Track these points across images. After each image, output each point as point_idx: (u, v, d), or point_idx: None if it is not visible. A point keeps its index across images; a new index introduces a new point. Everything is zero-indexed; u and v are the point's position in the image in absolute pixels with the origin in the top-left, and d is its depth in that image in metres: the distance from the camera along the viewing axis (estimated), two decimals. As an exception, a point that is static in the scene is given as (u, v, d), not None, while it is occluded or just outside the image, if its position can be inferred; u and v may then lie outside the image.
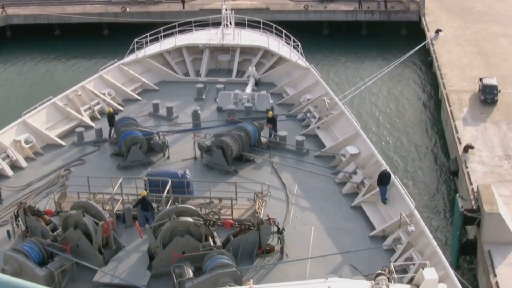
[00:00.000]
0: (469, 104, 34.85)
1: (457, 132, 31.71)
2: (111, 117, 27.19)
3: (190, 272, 17.67)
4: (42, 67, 49.26)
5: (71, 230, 18.97)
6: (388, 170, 22.01)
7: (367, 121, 37.69)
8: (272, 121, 26.55)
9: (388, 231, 20.45)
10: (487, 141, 30.73)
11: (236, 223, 19.84)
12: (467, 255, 25.75)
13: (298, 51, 33.65)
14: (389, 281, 15.36)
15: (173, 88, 32.53)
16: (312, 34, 49.94)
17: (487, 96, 34.75)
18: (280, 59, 33.78)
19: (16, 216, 20.37)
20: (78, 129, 27.34)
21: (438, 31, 46.35)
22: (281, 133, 26.50)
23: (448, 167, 31.62)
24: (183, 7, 53.90)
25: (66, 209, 20.43)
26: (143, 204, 20.49)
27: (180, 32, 35.69)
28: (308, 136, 26.92)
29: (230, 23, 35.25)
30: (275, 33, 34.83)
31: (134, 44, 33.59)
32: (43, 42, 53.04)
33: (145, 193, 20.61)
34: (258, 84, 32.47)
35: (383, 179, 21.62)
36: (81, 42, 52.67)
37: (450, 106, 34.63)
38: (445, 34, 46.02)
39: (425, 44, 45.40)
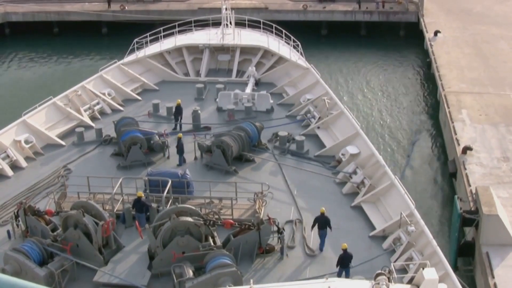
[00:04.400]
0: (468, 105, 34.90)
1: (455, 134, 31.73)
2: (178, 109, 27.76)
3: (190, 272, 17.71)
4: (41, 65, 49.19)
5: (71, 230, 18.99)
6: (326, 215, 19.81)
7: (367, 121, 37.74)
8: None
9: (388, 231, 20.52)
10: (486, 143, 30.77)
11: (236, 223, 19.90)
12: (465, 256, 25.80)
13: (298, 51, 33.72)
14: (389, 281, 15.42)
15: (173, 88, 32.56)
16: (310, 34, 49.95)
17: None
18: (280, 59, 33.84)
19: (16, 216, 20.39)
20: (78, 129, 27.35)
21: (436, 32, 46.40)
22: (281, 133, 26.58)
23: (447, 168, 31.67)
24: None
25: (66, 209, 20.48)
26: (138, 205, 20.52)
27: (180, 32, 35.72)
28: (308, 136, 26.99)
29: (230, 23, 35.28)
30: (275, 33, 34.88)
31: (134, 44, 33.61)
32: (41, 40, 52.98)
33: (141, 194, 20.63)
34: (258, 84, 32.53)
35: (321, 223, 19.69)
36: (80, 40, 52.64)
37: (448, 108, 34.66)
38: (444, 36, 46.09)
39: (423, 46, 45.46)
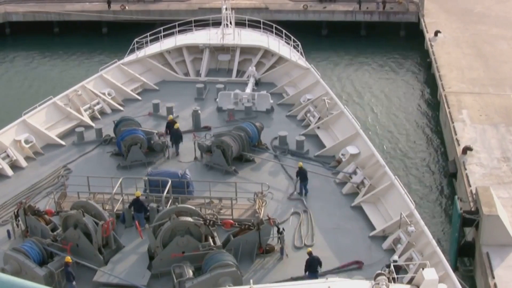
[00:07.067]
0: (468, 105, 34.89)
1: (455, 134, 31.72)
2: (170, 125, 26.09)
3: (190, 272, 17.72)
4: (41, 64, 49.20)
5: (71, 230, 19.02)
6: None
7: (367, 121, 37.74)
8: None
9: (388, 231, 20.52)
10: (486, 143, 30.77)
11: (236, 223, 19.90)
12: (465, 257, 25.80)
13: (298, 51, 33.72)
14: (389, 281, 15.43)
15: (173, 88, 32.58)
16: (310, 34, 49.94)
17: None
18: (280, 59, 33.84)
19: (16, 216, 20.41)
20: (78, 129, 27.38)
21: (437, 32, 46.39)
22: (281, 133, 26.57)
23: (447, 168, 31.65)
24: None
25: (66, 209, 20.51)
26: (136, 205, 20.51)
27: (180, 32, 35.72)
28: (308, 136, 26.99)
29: (230, 23, 35.28)
30: (275, 33, 34.88)
31: (134, 44, 33.62)
32: (42, 40, 53.03)
33: (139, 193, 20.64)
34: (258, 84, 32.53)
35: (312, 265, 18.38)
36: (80, 40, 52.67)
37: (449, 108, 34.66)
38: (444, 36, 46.08)
39: (424, 46, 45.40)
